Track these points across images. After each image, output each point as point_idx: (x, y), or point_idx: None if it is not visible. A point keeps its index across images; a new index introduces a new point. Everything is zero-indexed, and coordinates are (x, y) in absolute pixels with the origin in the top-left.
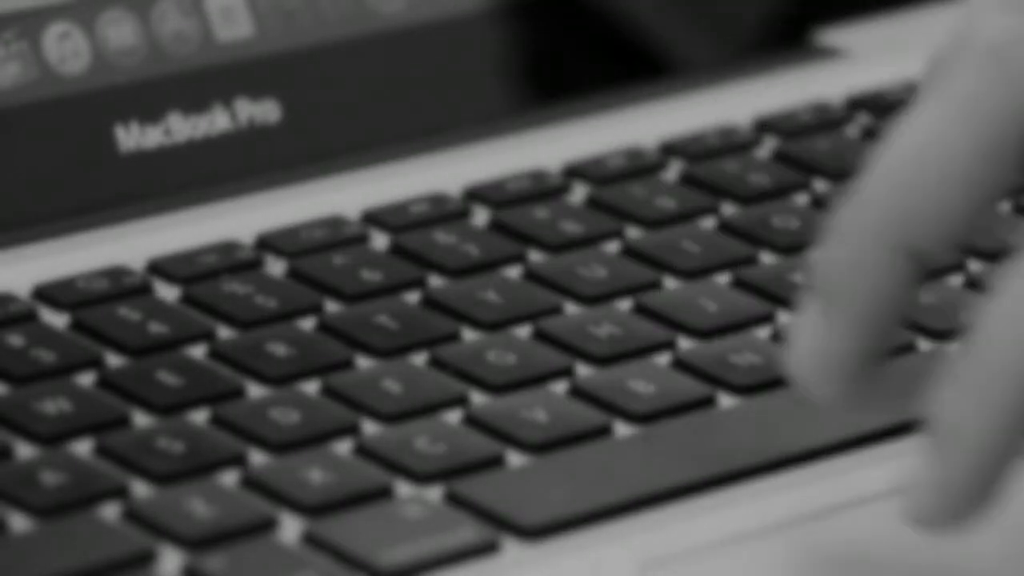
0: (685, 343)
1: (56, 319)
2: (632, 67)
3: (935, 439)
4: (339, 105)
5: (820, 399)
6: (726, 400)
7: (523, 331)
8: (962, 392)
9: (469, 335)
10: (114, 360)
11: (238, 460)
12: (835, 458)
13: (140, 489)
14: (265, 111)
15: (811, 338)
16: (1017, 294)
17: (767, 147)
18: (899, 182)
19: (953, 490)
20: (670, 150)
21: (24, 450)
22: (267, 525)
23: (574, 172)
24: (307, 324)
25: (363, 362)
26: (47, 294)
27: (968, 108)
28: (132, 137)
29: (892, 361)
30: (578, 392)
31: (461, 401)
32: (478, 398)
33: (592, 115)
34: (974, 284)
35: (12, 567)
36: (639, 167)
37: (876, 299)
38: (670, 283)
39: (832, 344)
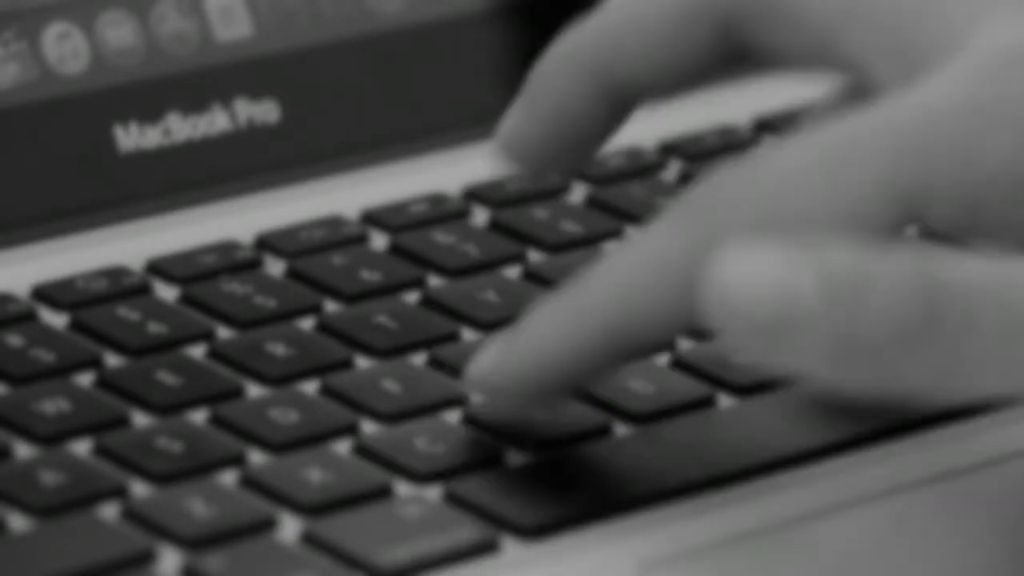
0: (684, 343)
1: (55, 319)
2: None
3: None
4: (339, 105)
5: (502, 165)
6: (726, 400)
7: None
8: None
9: (468, 335)
10: (113, 360)
11: (237, 460)
12: (835, 458)
13: (139, 489)
14: (265, 111)
15: (509, 120)
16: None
17: None
18: (608, 21)
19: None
20: (670, 150)
21: (23, 450)
22: (266, 525)
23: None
24: (306, 324)
25: (362, 362)
26: (46, 294)
27: None
28: (131, 137)
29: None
30: (577, 392)
31: (461, 401)
32: (478, 398)
33: None
34: None
35: (12, 567)
36: (639, 167)
37: (561, 99)
38: None
39: (520, 128)
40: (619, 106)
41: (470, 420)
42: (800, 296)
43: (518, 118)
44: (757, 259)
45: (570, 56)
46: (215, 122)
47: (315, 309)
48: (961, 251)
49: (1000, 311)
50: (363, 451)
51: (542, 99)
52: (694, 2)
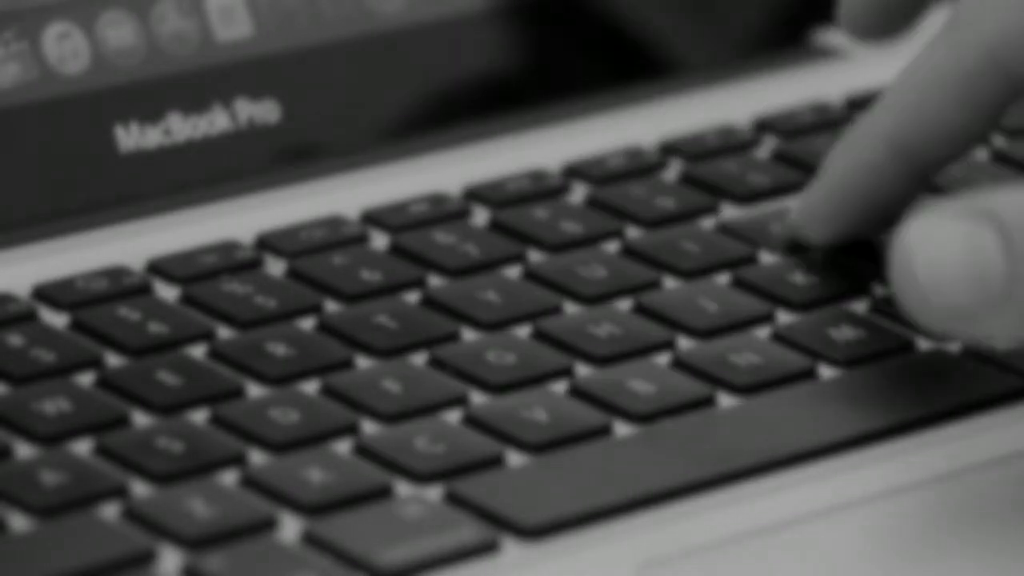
0: (685, 343)
1: (56, 319)
2: (632, 67)
3: None
4: (339, 105)
5: (808, 241)
6: (726, 400)
7: (523, 331)
8: None
9: (469, 335)
10: (114, 360)
11: (238, 460)
12: (835, 458)
13: (140, 489)
14: (265, 111)
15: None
16: None
17: (767, 147)
18: (901, 97)
19: None
20: (670, 150)
21: (24, 450)
22: (267, 525)
23: (574, 172)
24: (307, 324)
25: (363, 362)
26: (47, 294)
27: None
28: (132, 137)
29: None
30: (578, 392)
31: (461, 401)
32: (478, 398)
33: (592, 115)
34: None
35: (12, 567)
36: (639, 167)
37: (860, 176)
38: (670, 283)
39: (819, 207)
40: (919, 176)
41: (470, 420)
42: (990, 278)
43: (816, 197)
44: (942, 237)
45: (867, 134)
46: (215, 122)
47: (315, 309)
48: None
49: None
50: (363, 451)
51: (841, 177)
52: (977, 59)
